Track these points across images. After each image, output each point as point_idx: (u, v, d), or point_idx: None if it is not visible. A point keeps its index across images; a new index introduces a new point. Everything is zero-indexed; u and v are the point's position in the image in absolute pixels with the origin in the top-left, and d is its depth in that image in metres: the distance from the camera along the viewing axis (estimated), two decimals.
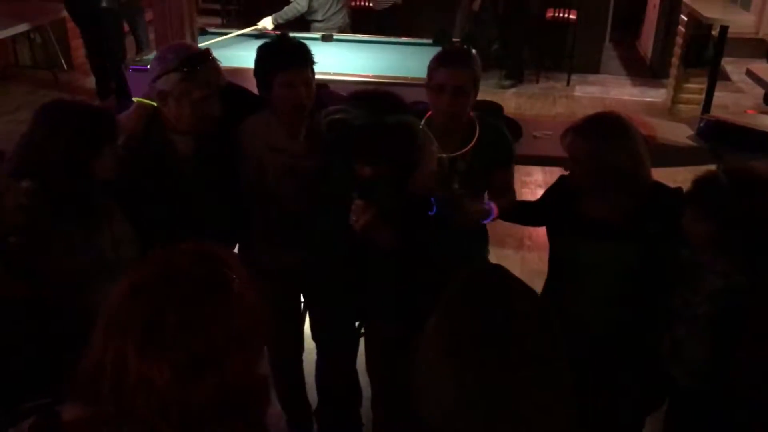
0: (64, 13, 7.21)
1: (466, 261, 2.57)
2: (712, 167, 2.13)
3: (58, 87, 7.14)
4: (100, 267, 2.05)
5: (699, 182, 2.02)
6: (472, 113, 2.48)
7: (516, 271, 2.86)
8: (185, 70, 2.23)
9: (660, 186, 2.27)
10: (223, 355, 1.09)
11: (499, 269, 1.32)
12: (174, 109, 2.28)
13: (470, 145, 2.42)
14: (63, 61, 7.61)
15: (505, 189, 2.53)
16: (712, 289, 2.03)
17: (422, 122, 2.44)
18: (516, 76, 7.76)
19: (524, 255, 4.50)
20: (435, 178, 2.38)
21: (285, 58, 2.34)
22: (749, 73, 4.90)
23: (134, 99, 2.42)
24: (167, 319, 1.07)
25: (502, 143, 2.50)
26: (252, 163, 2.46)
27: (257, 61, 2.39)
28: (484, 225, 2.63)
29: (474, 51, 2.43)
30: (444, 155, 2.35)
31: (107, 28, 6.17)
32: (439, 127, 2.41)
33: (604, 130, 2.16)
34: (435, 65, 2.38)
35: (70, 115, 2.05)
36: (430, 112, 2.48)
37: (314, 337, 2.74)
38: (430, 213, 2.43)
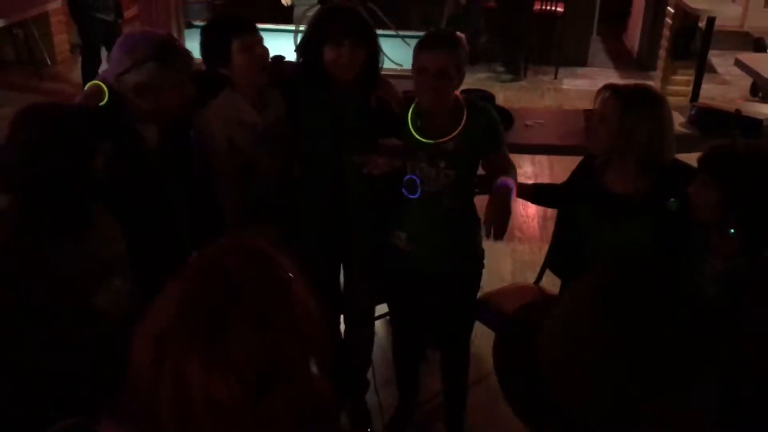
0: (48, 8, 7.15)
1: (458, 248, 2.59)
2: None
3: (42, 82, 7.08)
4: (96, 267, 2.01)
5: (715, 149, 2.05)
6: (460, 97, 2.48)
7: (507, 263, 2.85)
8: (161, 57, 2.18)
9: (680, 164, 2.29)
10: (294, 364, 0.99)
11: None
12: (151, 99, 2.22)
13: (458, 129, 2.43)
14: (46, 56, 7.53)
15: (504, 168, 2.53)
16: (714, 271, 2.03)
17: (410, 108, 2.47)
18: (514, 69, 7.78)
19: (515, 247, 4.49)
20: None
21: (238, 23, 2.45)
22: (738, 63, 4.92)
23: (88, 85, 2.33)
24: (232, 329, 0.96)
25: (490, 126, 2.51)
26: (221, 143, 2.47)
27: (208, 36, 2.46)
28: (474, 211, 2.63)
29: (459, 34, 2.42)
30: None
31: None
32: (425, 110, 2.44)
33: (641, 96, 2.22)
34: (418, 48, 2.39)
35: (54, 124, 1.93)
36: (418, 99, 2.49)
37: None
38: (412, 196, 2.47)
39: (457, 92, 2.47)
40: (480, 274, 2.71)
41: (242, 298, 0.98)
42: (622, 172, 2.29)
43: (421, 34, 2.50)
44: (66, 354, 1.84)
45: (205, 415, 0.94)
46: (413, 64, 2.40)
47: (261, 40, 2.45)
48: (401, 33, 4.22)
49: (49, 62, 7.55)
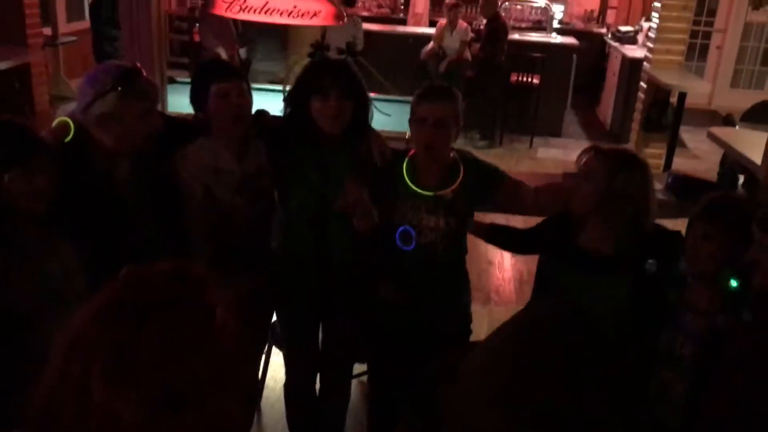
0: (29, 59, 7.15)
1: (446, 305, 2.56)
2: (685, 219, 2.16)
3: None
4: (48, 300, 1.93)
5: (711, 200, 2.06)
6: (453, 152, 2.49)
7: (483, 326, 2.81)
8: (123, 86, 2.16)
9: (659, 227, 2.30)
10: (205, 391, 0.95)
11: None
12: (116, 129, 2.19)
13: (458, 182, 2.44)
14: (26, 107, 7.48)
15: (516, 191, 2.54)
16: (694, 329, 2.02)
17: (405, 160, 2.47)
18: (489, 136, 7.92)
19: (491, 309, 4.46)
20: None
21: (219, 70, 2.50)
22: (710, 135, 5.07)
23: (55, 122, 2.30)
24: (142, 343, 0.93)
25: (485, 172, 2.52)
26: (197, 189, 2.44)
27: (193, 81, 2.50)
28: (465, 271, 2.62)
29: (455, 90, 2.45)
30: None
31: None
32: (421, 163, 2.45)
33: (627, 158, 2.25)
34: (417, 100, 2.42)
35: None
36: (413, 151, 2.49)
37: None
38: (407, 248, 2.44)
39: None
40: (467, 334, 2.65)
41: (158, 314, 0.96)
42: (600, 232, 2.28)
43: (402, 98, 2.52)
44: (11, 384, 1.77)
45: (104, 430, 0.91)
46: (411, 117, 2.42)
47: (241, 89, 2.45)
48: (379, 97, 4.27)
49: (28, 114, 7.50)
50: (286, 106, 2.54)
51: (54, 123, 2.26)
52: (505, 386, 0.99)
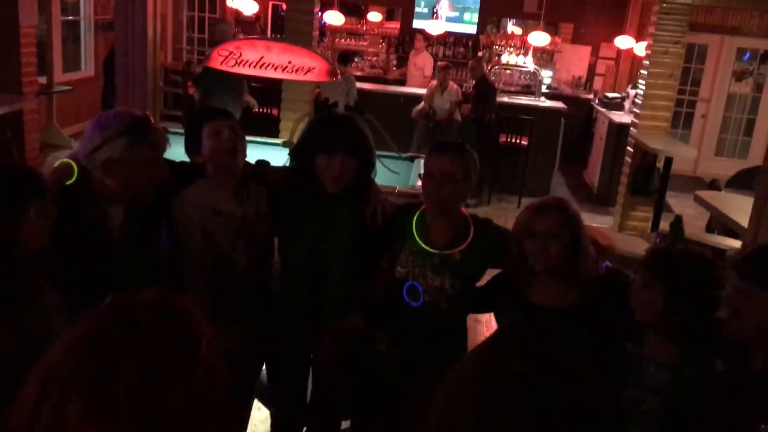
0: (22, 106, 7.19)
1: (441, 361, 2.50)
2: None
3: None
4: (27, 346, 1.87)
5: (654, 250, 2.06)
6: (465, 210, 2.48)
7: None
8: (134, 133, 2.17)
9: (612, 274, 2.30)
10: (185, 426, 0.92)
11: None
12: (121, 175, 2.18)
13: (466, 243, 2.41)
14: (16, 154, 7.48)
15: None
16: (657, 382, 1.98)
17: (416, 215, 2.46)
18: (478, 195, 7.99)
19: None
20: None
21: (211, 112, 2.56)
22: (696, 199, 5.13)
23: (58, 162, 2.27)
24: (122, 374, 0.89)
25: (501, 239, 2.45)
26: (195, 231, 2.42)
27: (186, 127, 2.53)
28: (465, 325, 2.58)
29: (467, 147, 2.43)
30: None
31: None
32: (431, 218, 2.44)
33: (550, 202, 2.27)
34: (428, 155, 2.43)
35: None
36: (423, 206, 2.48)
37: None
38: (415, 304, 2.41)
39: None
40: None
41: (140, 347, 0.92)
42: (550, 285, 2.25)
43: (391, 154, 2.52)
44: None
45: None
46: (423, 171, 2.42)
47: (234, 127, 2.46)
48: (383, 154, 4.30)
49: (16, 160, 7.50)
50: (291, 160, 2.53)
51: (56, 163, 2.23)
52: (474, 413, 0.98)
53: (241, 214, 2.46)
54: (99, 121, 2.22)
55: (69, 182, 2.19)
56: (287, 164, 2.58)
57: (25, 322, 1.87)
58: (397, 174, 2.64)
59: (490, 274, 2.52)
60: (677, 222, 2.24)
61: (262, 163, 2.63)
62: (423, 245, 2.41)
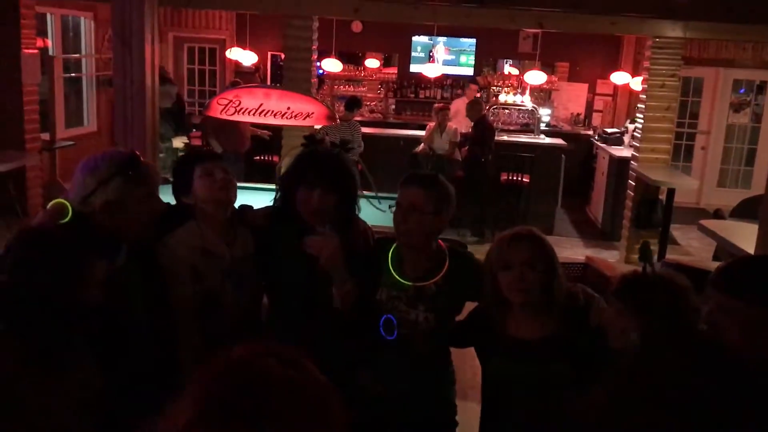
0: (25, 163, 7.26)
1: (429, 402, 2.47)
2: None
3: (10, 233, 7.01)
4: (71, 409, 1.80)
5: (625, 277, 2.03)
6: (442, 243, 2.45)
7: (476, 424, 2.66)
8: (125, 172, 2.16)
9: (578, 294, 2.26)
10: None
11: None
12: (119, 215, 2.17)
13: (441, 273, 2.38)
14: (19, 209, 7.52)
15: None
16: None
17: (392, 247, 2.43)
18: (479, 233, 7.95)
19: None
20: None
21: (202, 155, 2.57)
22: (701, 228, 5.10)
23: (51, 203, 2.23)
24: None
25: (475, 273, 2.42)
26: (185, 272, 2.40)
27: (175, 169, 2.53)
28: (449, 360, 2.54)
29: (440, 179, 2.42)
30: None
31: None
32: (405, 250, 2.41)
33: (519, 231, 2.25)
34: (400, 185, 2.41)
35: (44, 245, 1.82)
36: None
37: None
38: (390, 337, 2.37)
39: (439, 240, 2.44)
40: (451, 428, 2.55)
41: (279, 407, 0.88)
42: (525, 317, 2.22)
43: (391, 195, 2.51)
44: None
45: None
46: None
47: (224, 168, 2.47)
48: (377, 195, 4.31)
49: (20, 215, 7.52)
50: (276, 193, 2.54)
51: (49, 205, 2.19)
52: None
53: (230, 255, 2.46)
54: (88, 165, 2.20)
55: (63, 221, 2.15)
56: (273, 202, 2.58)
57: (68, 383, 1.82)
58: (383, 212, 2.63)
59: (470, 307, 2.48)
60: (645, 246, 2.19)
61: (245, 208, 2.63)
62: (397, 277, 2.38)
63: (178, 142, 7.61)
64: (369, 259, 2.47)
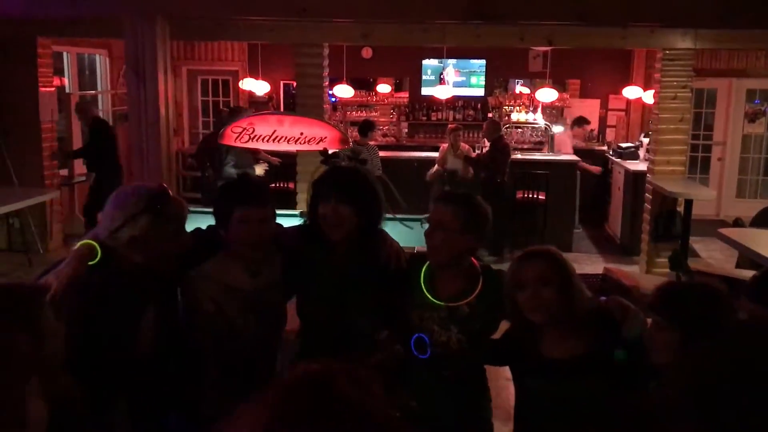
0: (45, 198, 7.36)
1: (464, 421, 2.44)
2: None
3: (32, 269, 7.09)
4: None
5: (663, 289, 1.99)
6: (476, 263, 2.44)
7: None
8: (154, 209, 2.16)
9: (612, 305, 2.21)
10: None
11: None
12: (147, 251, 2.18)
13: (474, 294, 2.37)
14: (39, 245, 7.61)
15: None
16: None
17: (425, 265, 2.43)
18: (497, 252, 7.93)
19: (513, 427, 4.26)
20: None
21: (245, 195, 2.39)
22: (721, 236, 5.04)
23: (78, 244, 2.23)
24: None
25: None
26: (209, 307, 2.38)
27: (218, 198, 2.45)
28: (484, 380, 2.51)
29: (474, 199, 2.40)
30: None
31: None
32: (436, 269, 2.41)
33: (533, 251, 2.24)
34: (432, 203, 2.43)
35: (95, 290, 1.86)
36: None
37: None
38: (423, 356, 2.35)
39: (474, 259, 2.43)
40: None
41: (348, 428, 0.89)
42: (556, 335, 2.19)
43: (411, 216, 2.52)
44: None
45: None
46: None
47: (264, 215, 2.37)
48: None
49: (41, 251, 7.61)
50: (306, 215, 2.55)
51: (77, 246, 2.20)
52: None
53: (253, 287, 2.42)
54: (118, 200, 2.21)
55: (92, 263, 2.16)
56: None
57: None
58: (411, 229, 2.61)
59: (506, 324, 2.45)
60: (675, 255, 2.19)
61: (278, 230, 2.58)
62: (429, 297, 2.37)
63: (260, 170, 7.59)
64: (399, 277, 2.44)
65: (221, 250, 2.43)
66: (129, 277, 2.10)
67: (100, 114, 8.83)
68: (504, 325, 2.46)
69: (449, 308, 2.35)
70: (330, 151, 2.64)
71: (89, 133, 7.77)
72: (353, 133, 10.46)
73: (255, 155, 7.44)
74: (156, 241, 2.17)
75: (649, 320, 2.03)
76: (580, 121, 9.83)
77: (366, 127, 8.16)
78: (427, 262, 2.42)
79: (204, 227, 2.51)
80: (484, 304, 2.36)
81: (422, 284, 2.39)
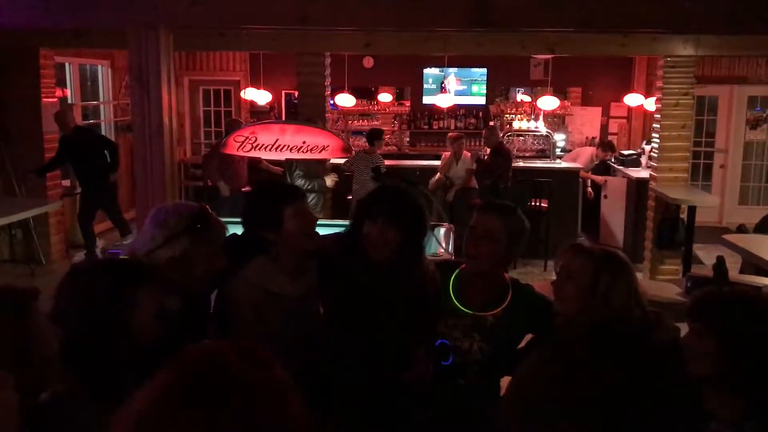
0: (47, 209, 7.35)
1: (478, 419, 2.41)
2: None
3: (34, 279, 7.09)
4: None
5: (703, 296, 1.92)
6: (506, 275, 2.43)
7: None
8: (195, 231, 2.14)
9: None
10: None
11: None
12: (184, 271, 2.15)
13: (503, 306, 2.35)
14: (42, 256, 7.60)
15: None
16: None
17: (454, 273, 2.42)
18: None
19: None
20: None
21: (291, 190, 2.50)
22: (725, 242, 5.03)
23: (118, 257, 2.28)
24: (218, 427, 0.87)
25: (533, 308, 2.38)
26: (249, 314, 2.35)
27: (259, 202, 2.46)
28: (498, 383, 2.48)
29: (518, 212, 2.39)
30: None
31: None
32: (468, 277, 2.40)
33: (610, 258, 2.16)
34: (476, 212, 2.40)
35: (91, 276, 1.81)
36: (463, 265, 2.45)
37: None
38: (445, 363, 2.33)
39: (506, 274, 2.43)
40: None
41: (235, 395, 0.89)
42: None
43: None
44: None
45: None
46: (468, 229, 2.41)
47: (309, 207, 2.50)
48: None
49: (43, 261, 7.61)
50: (348, 226, 2.52)
51: (76, 257, 2.22)
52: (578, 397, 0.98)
53: (294, 293, 2.40)
54: (158, 218, 2.18)
55: None
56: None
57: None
58: (450, 255, 2.61)
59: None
60: (720, 263, 2.14)
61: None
62: (457, 304, 2.36)
63: (330, 181, 7.49)
64: (436, 302, 2.41)
65: (255, 254, 2.41)
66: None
67: (88, 122, 8.81)
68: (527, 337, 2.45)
69: (475, 317, 2.35)
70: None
71: (58, 144, 7.49)
72: (354, 141, 10.47)
73: (323, 165, 7.27)
74: (194, 262, 2.15)
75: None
76: (610, 147, 9.75)
77: (373, 136, 8.13)
78: (456, 271, 2.42)
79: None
80: (510, 317, 2.36)
81: (450, 291, 2.39)
